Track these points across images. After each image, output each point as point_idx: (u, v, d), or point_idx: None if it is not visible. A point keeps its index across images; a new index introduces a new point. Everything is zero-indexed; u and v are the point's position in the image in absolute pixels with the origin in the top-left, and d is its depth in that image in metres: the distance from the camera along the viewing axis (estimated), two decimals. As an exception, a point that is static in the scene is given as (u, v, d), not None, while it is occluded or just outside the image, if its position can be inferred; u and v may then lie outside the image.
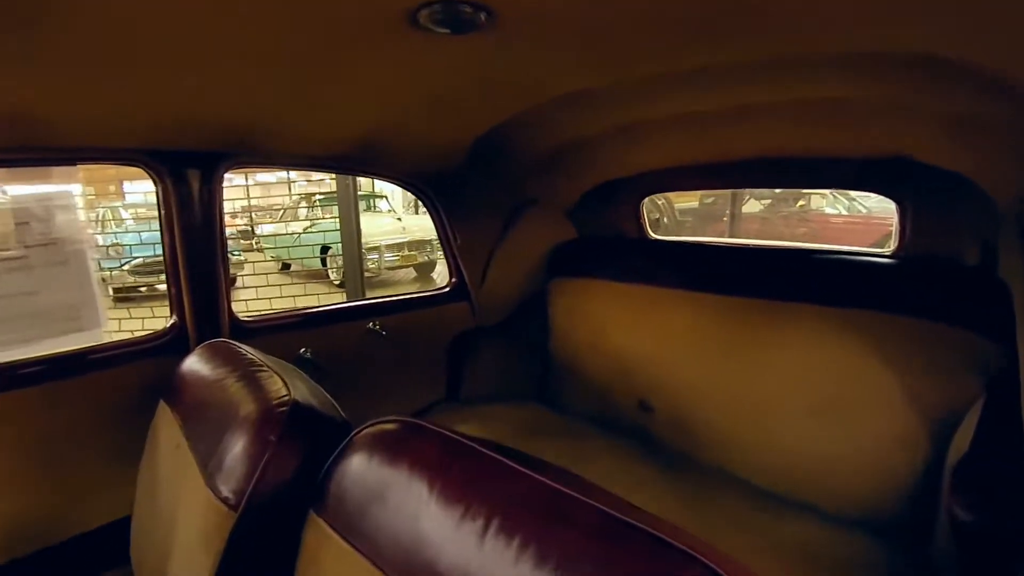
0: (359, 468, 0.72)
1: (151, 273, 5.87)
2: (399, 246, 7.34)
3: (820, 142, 1.72)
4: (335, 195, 5.23)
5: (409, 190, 2.09)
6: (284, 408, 0.83)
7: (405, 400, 2.00)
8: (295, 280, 7.18)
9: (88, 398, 1.34)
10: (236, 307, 1.62)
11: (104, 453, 1.35)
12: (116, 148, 1.33)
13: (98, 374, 1.36)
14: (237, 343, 1.13)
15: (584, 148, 1.98)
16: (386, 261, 7.12)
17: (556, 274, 2.27)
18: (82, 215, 1.53)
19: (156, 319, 3.55)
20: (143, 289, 6.01)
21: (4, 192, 1.30)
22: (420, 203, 2.19)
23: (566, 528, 0.53)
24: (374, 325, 1.90)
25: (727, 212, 8.29)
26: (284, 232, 7.90)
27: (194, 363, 1.13)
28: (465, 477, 0.64)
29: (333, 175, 4.19)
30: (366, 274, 7.09)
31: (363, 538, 0.67)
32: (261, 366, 0.98)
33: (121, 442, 1.32)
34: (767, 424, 1.60)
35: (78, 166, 1.32)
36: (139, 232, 6.76)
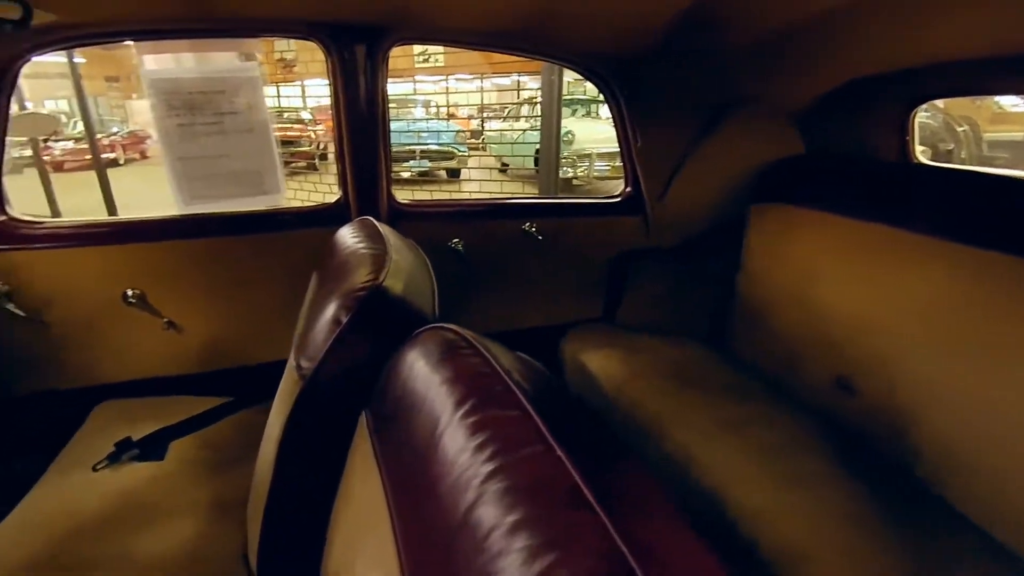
0: (406, 371, 0.64)
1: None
2: (612, 155, 6.97)
3: None
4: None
5: (586, 76, 1.80)
6: (362, 293, 0.77)
7: (554, 310, 1.88)
8: (512, 180, 7.48)
9: (265, 253, 1.52)
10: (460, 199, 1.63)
11: (271, 303, 1.54)
12: (287, 19, 1.36)
13: (274, 234, 1.52)
14: (380, 224, 1.12)
15: (826, 30, 1.42)
16: (596, 170, 6.85)
17: (763, 197, 1.79)
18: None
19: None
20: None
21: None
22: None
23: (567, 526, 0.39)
24: (530, 227, 1.77)
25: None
26: (505, 133, 8.16)
27: (340, 236, 1.16)
28: (490, 416, 0.51)
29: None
30: (575, 182, 7.01)
31: (386, 448, 0.61)
32: (378, 247, 0.93)
33: (284, 296, 1.48)
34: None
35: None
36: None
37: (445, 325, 0.67)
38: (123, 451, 1.21)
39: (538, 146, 7.23)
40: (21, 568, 0.93)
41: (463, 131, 8.33)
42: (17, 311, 1.38)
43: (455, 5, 1.39)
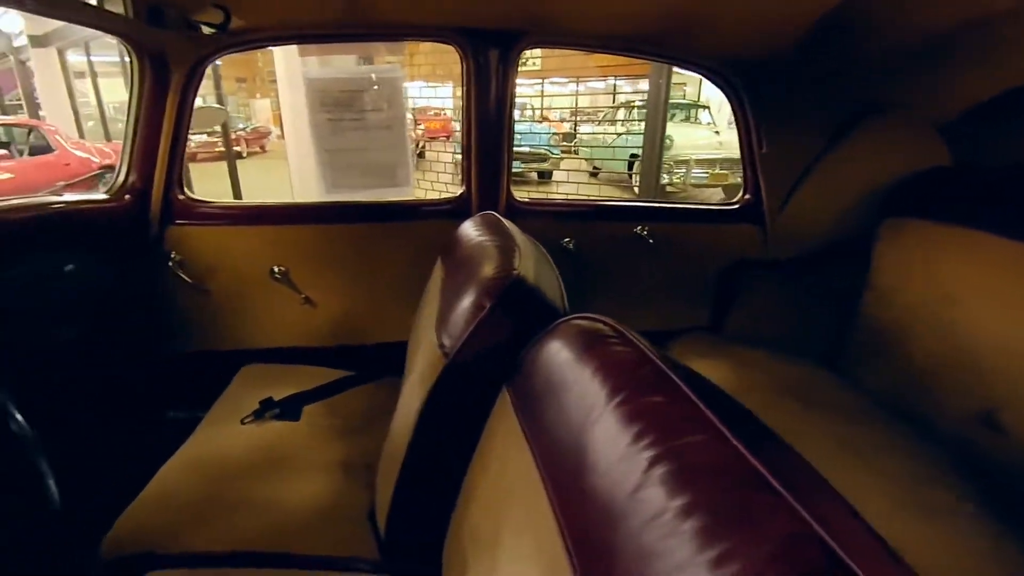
0: (551, 356, 0.69)
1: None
2: (711, 162, 6.72)
3: None
4: (653, 101, 5.02)
5: (711, 79, 1.76)
6: (506, 280, 0.83)
7: (660, 314, 1.86)
8: (602, 184, 7.43)
9: (391, 240, 1.63)
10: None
11: (392, 287, 1.65)
12: (429, 25, 1.46)
13: (400, 224, 1.64)
14: (502, 218, 1.18)
15: (985, 35, 1.31)
16: (692, 177, 6.65)
17: (899, 211, 1.66)
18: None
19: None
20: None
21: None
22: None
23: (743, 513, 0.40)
24: (642, 230, 1.76)
25: None
26: (597, 136, 8.11)
27: (465, 228, 1.23)
28: (649, 403, 0.53)
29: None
30: (669, 188, 6.84)
31: (533, 425, 0.65)
32: (509, 240, 1.00)
33: (405, 281, 1.60)
34: None
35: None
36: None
37: (593, 316, 0.71)
38: (266, 409, 1.35)
39: (633, 151, 7.16)
40: (187, 502, 1.08)
41: (556, 133, 8.39)
42: (186, 278, 1.59)
43: (595, 10, 1.42)
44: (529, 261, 0.91)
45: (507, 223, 1.13)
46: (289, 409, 1.37)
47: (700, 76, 1.79)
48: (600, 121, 8.36)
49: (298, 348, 1.70)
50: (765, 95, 1.67)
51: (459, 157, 1.71)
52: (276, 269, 1.63)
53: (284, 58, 6.31)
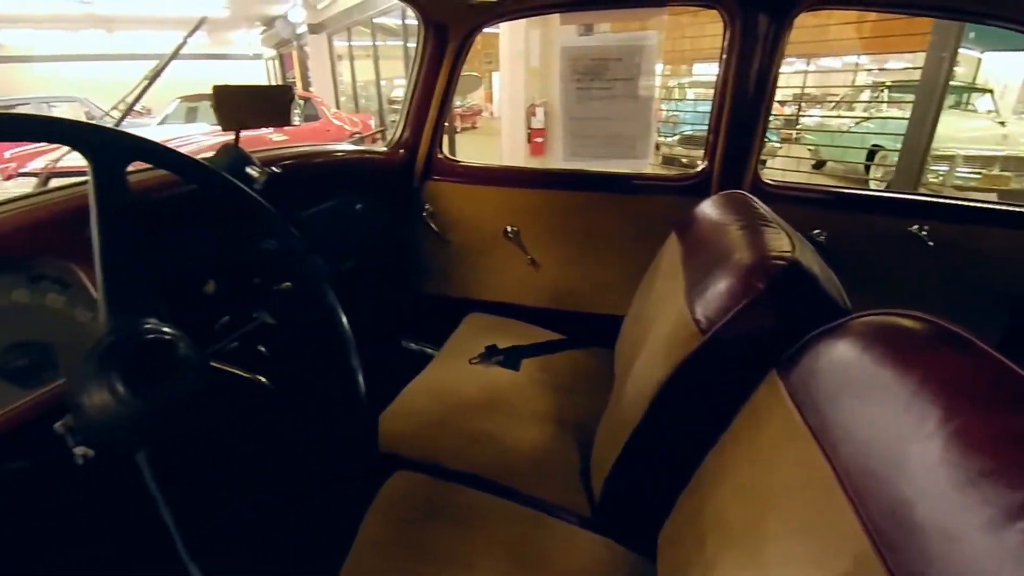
0: (846, 354, 0.63)
1: (694, 146, 6.54)
2: (986, 160, 5.37)
3: None
4: (912, 83, 4.15)
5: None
6: (781, 263, 0.77)
7: None
8: (828, 177, 6.52)
9: (621, 212, 1.62)
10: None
11: (615, 259, 1.65)
12: None
13: (632, 197, 1.61)
14: (754, 198, 1.11)
15: None
16: (957, 177, 5.39)
17: None
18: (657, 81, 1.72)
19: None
20: (684, 160, 6.82)
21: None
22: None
23: None
24: (919, 229, 1.48)
25: None
26: (826, 121, 7.08)
27: (710, 206, 1.18)
28: (997, 428, 0.45)
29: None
30: (922, 190, 5.67)
31: (820, 422, 0.60)
32: (771, 223, 0.94)
33: (629, 255, 1.59)
34: None
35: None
36: (695, 110, 7.52)
37: (912, 312, 0.62)
38: (491, 355, 1.47)
39: (875, 141, 6.09)
40: (428, 421, 1.22)
41: (776, 117, 7.55)
42: (434, 228, 1.79)
43: None
44: (805, 247, 0.84)
45: (760, 204, 1.07)
46: (510, 358, 1.47)
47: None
48: (837, 104, 7.27)
49: (517, 305, 1.81)
50: None
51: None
52: (509, 229, 1.74)
53: (508, 37, 6.69)
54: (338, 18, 11.30)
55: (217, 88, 1.03)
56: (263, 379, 0.86)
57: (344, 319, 0.86)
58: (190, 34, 1.23)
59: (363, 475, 0.82)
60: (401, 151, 1.72)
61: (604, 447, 1.04)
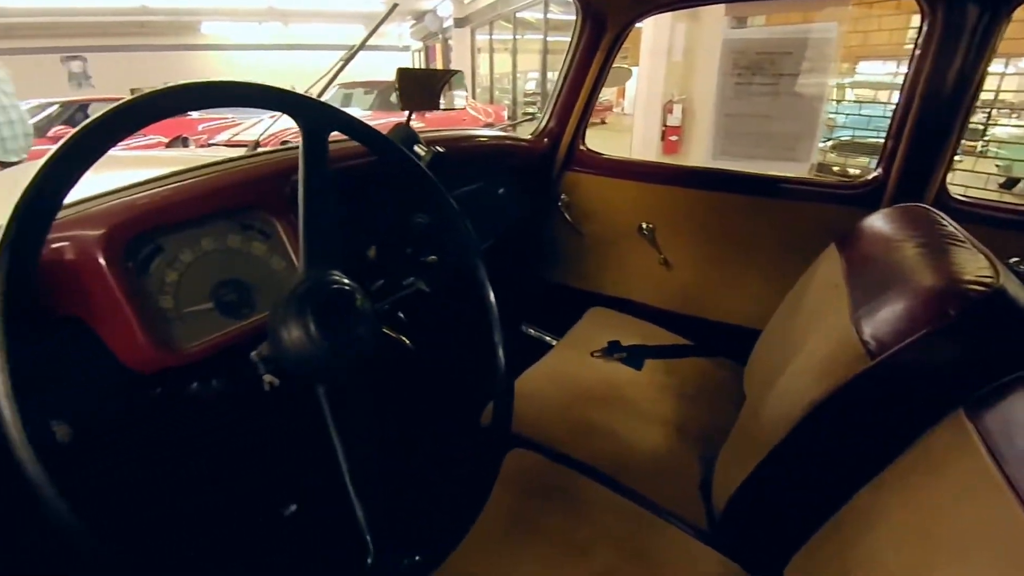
0: None
1: (851, 152, 5.88)
2: None
3: None
4: None
5: None
6: (981, 288, 0.68)
7: None
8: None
9: (767, 217, 1.51)
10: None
11: (756, 267, 1.54)
12: None
13: (782, 202, 1.49)
14: (941, 214, 0.99)
15: None
16: None
17: None
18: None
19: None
20: (836, 168, 6.13)
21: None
22: None
23: None
24: None
25: None
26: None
27: (882, 219, 1.08)
28: None
29: None
30: None
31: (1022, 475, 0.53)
32: (964, 243, 0.85)
33: (773, 264, 1.47)
34: None
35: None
36: (858, 112, 6.72)
37: None
38: (613, 350, 1.45)
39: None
40: (547, 405, 1.24)
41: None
42: (568, 218, 1.80)
43: None
44: (1009, 275, 0.73)
45: (949, 221, 0.95)
46: (633, 355, 1.44)
47: None
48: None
49: (642, 304, 1.77)
50: None
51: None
52: (644, 225, 1.70)
53: (652, 31, 6.49)
54: (483, 12, 11.75)
55: (400, 71, 1.13)
56: (407, 341, 0.92)
57: (492, 294, 0.90)
58: (381, 21, 1.36)
59: (484, 448, 0.86)
60: (545, 140, 1.75)
61: (732, 463, 0.98)
